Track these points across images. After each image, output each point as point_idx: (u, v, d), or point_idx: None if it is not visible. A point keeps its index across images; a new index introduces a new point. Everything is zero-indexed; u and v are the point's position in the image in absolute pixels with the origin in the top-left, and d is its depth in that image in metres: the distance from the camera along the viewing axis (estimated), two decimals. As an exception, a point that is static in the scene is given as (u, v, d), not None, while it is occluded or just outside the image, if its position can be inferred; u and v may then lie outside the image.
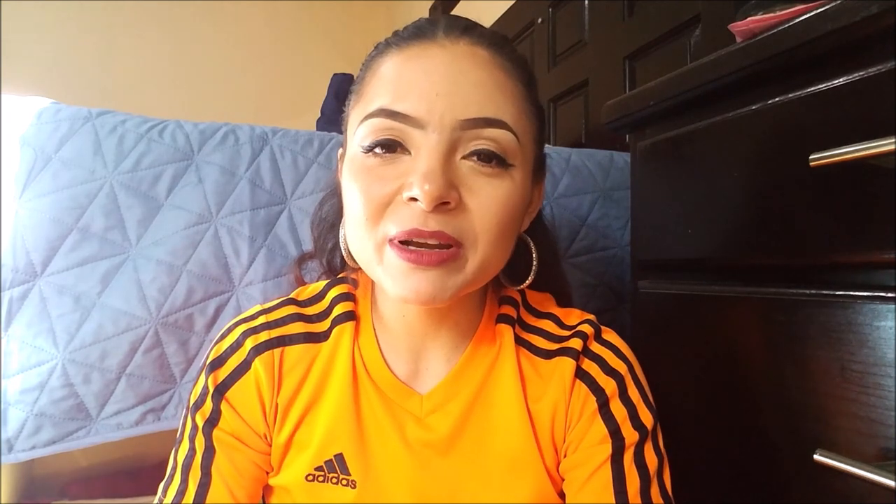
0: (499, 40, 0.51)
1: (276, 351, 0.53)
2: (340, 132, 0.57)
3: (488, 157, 0.46)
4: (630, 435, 0.51)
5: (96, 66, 2.37)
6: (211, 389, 0.52)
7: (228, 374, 0.52)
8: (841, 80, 0.46)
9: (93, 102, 0.81)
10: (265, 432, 0.53)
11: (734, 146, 0.57)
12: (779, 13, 0.52)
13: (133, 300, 0.69)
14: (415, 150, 0.46)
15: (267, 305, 0.56)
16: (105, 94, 2.22)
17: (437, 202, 0.43)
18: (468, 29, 0.50)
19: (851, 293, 0.46)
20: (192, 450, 0.51)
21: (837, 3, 0.44)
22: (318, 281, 0.62)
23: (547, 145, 1.13)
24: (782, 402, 0.51)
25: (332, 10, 2.80)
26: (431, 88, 0.46)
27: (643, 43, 1.18)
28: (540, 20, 1.60)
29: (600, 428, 0.51)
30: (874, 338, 0.44)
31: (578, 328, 0.55)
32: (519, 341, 0.56)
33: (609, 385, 0.52)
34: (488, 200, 0.46)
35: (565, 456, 0.53)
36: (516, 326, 0.56)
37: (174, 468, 0.52)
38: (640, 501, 0.49)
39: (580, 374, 0.53)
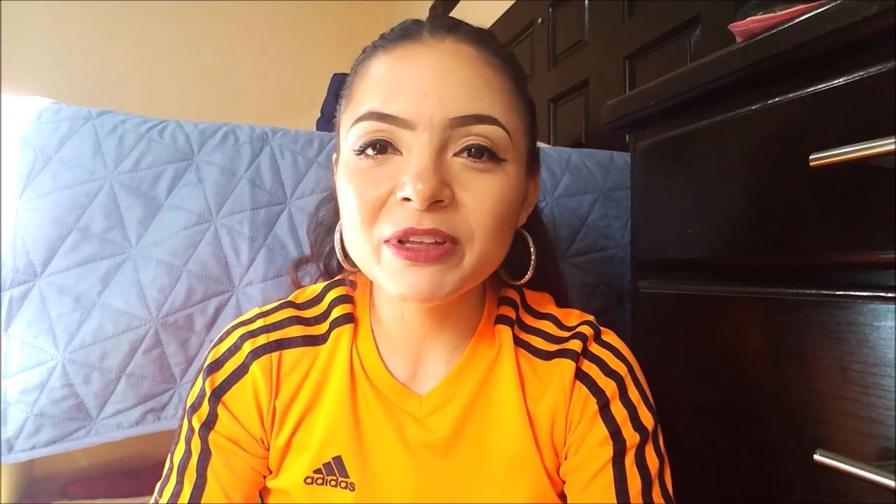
0: (484, 36, 0.51)
1: (275, 355, 0.53)
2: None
3: (479, 153, 0.46)
4: (631, 437, 0.51)
5: (96, 66, 2.37)
6: (208, 392, 0.52)
7: (226, 378, 0.52)
8: (841, 80, 0.46)
9: (93, 102, 0.81)
10: (262, 436, 0.53)
11: (734, 146, 0.57)
12: (779, 13, 0.52)
13: (133, 300, 0.69)
14: (406, 150, 0.46)
15: (265, 308, 0.56)
16: (105, 94, 2.22)
17: (430, 201, 0.44)
18: (453, 27, 0.50)
19: (851, 293, 0.46)
20: (189, 452, 0.51)
21: (837, 3, 0.44)
22: (315, 283, 0.62)
23: (547, 145, 1.14)
24: (782, 402, 0.51)
25: (332, 10, 2.80)
26: (419, 89, 0.46)
27: (643, 43, 1.18)
28: (540, 20, 1.60)
29: (601, 430, 0.51)
30: (874, 338, 0.44)
31: (578, 329, 0.55)
32: (518, 342, 0.56)
33: (609, 386, 0.52)
34: (482, 196, 0.46)
35: (566, 458, 0.53)
36: (515, 327, 0.56)
37: (170, 469, 0.52)
38: (641, 503, 0.49)
39: (580, 375, 0.53)
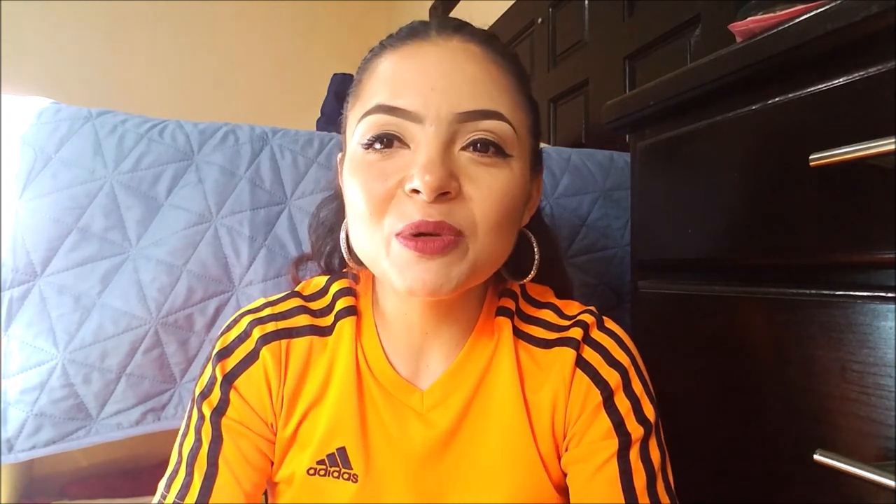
0: (489, 37, 0.52)
1: (283, 342, 0.53)
2: (340, 133, 0.57)
3: (486, 146, 0.47)
4: (635, 430, 0.51)
5: (96, 66, 2.37)
6: (219, 378, 0.52)
7: (237, 364, 0.53)
8: (841, 80, 0.46)
9: (93, 102, 0.81)
10: (272, 421, 0.53)
11: (734, 146, 0.57)
12: (779, 13, 0.52)
13: (133, 300, 0.69)
14: (414, 144, 0.47)
15: (272, 298, 0.57)
16: (105, 94, 2.22)
17: (437, 192, 0.44)
18: (459, 27, 0.51)
19: (851, 293, 0.46)
20: (199, 441, 0.51)
21: (837, 3, 0.44)
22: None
23: (547, 145, 1.14)
24: (782, 401, 0.51)
25: (332, 11, 2.80)
26: (427, 84, 0.47)
27: (643, 43, 1.18)
28: (540, 20, 1.60)
29: (604, 422, 0.51)
30: (874, 338, 0.44)
31: (579, 318, 0.55)
32: (518, 333, 0.56)
33: (613, 377, 0.52)
34: (488, 189, 0.47)
35: (567, 449, 0.53)
36: (515, 318, 0.57)
37: (178, 461, 0.52)
38: (647, 496, 0.49)
39: (581, 363, 0.53)
